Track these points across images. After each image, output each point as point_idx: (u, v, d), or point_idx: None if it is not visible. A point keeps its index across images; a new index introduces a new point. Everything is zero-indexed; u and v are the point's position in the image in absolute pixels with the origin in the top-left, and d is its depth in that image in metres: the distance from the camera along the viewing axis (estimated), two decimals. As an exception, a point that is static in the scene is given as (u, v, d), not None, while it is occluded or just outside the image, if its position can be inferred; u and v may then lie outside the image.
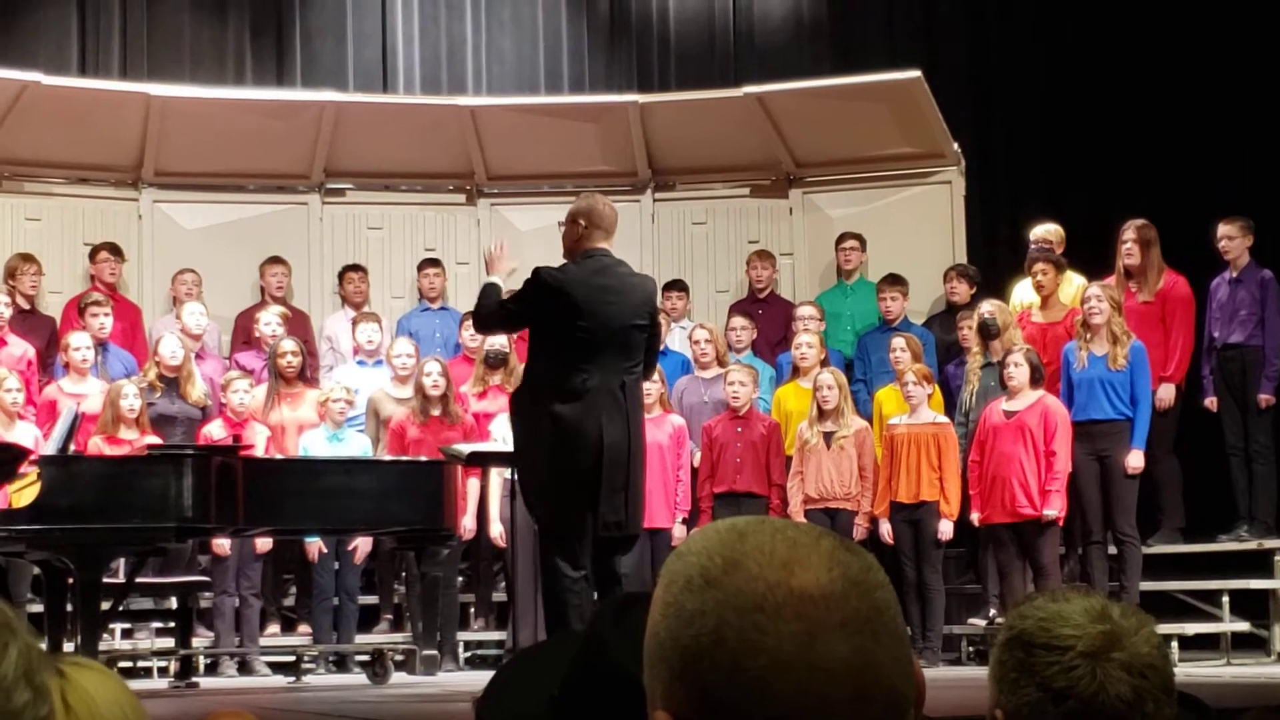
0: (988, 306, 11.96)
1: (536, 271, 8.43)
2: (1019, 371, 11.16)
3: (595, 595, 8.23)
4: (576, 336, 8.21)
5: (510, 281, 8.76)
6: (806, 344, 12.35)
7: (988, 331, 11.82)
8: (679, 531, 11.86)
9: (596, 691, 1.83)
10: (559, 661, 1.90)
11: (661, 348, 10.42)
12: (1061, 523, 11.22)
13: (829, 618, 1.49)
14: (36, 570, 10.57)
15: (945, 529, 11.57)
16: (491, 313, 8.72)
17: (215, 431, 11.74)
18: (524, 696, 1.98)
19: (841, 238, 13.83)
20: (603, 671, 1.82)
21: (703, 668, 1.49)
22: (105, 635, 11.13)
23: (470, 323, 12.71)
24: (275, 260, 13.82)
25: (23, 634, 1.56)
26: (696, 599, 1.52)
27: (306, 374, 12.51)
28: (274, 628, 12.49)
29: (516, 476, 8.96)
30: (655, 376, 10.86)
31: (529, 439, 8.44)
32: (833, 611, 1.49)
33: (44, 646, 1.62)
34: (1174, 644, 11.18)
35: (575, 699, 1.86)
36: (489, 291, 8.67)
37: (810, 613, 1.49)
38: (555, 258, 8.74)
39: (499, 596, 12.63)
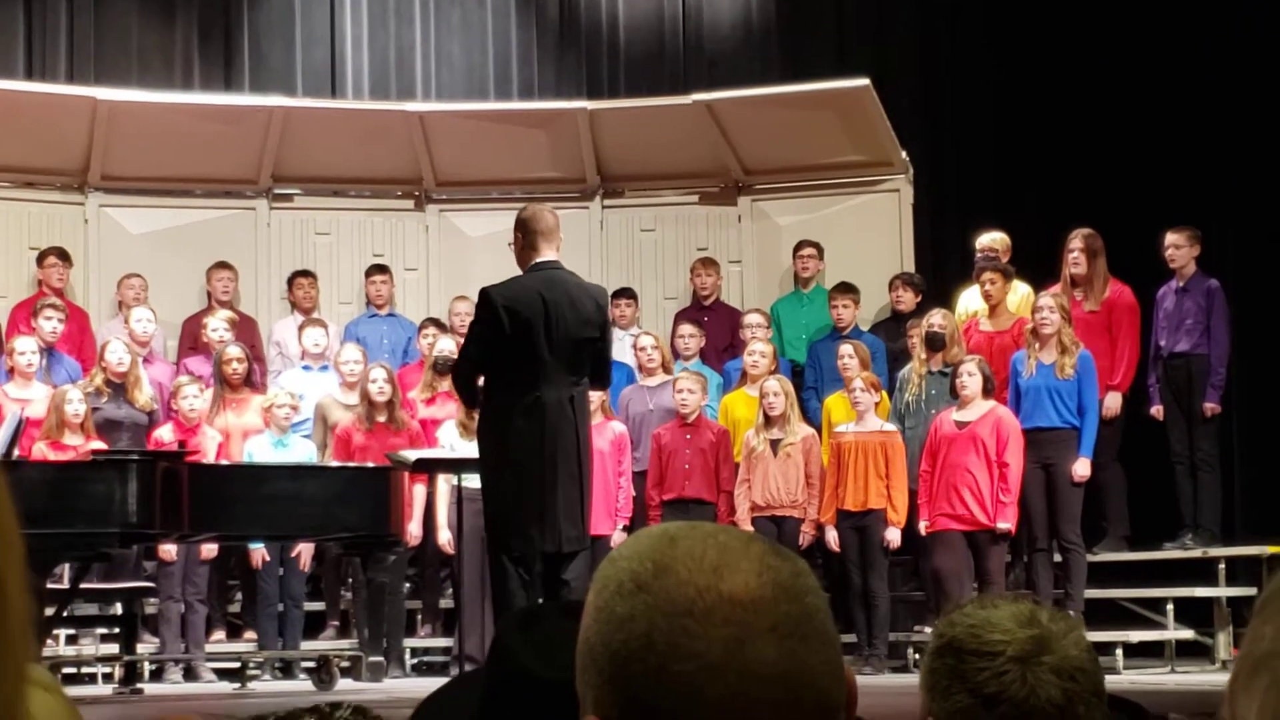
0: (937, 318, 11.99)
1: (483, 292, 8.48)
2: (972, 381, 11.18)
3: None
4: (526, 353, 8.25)
5: None
6: (760, 352, 12.33)
7: (935, 343, 11.86)
8: (619, 538, 11.85)
9: (513, 700, 1.83)
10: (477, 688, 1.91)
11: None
12: (1013, 534, 11.26)
13: (759, 622, 1.49)
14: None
15: (893, 537, 11.59)
16: (456, 368, 8.88)
17: (166, 436, 11.69)
18: (448, 716, 1.98)
19: (799, 245, 13.82)
20: (516, 680, 1.82)
21: (632, 672, 1.49)
22: (49, 642, 11.08)
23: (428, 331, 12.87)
24: (222, 265, 13.77)
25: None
26: (626, 604, 1.51)
27: (253, 380, 12.49)
28: (219, 634, 12.45)
29: (481, 496, 8.97)
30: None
31: (489, 462, 8.52)
32: (762, 616, 1.49)
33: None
34: (1119, 651, 11.24)
35: (495, 710, 1.86)
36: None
37: (740, 617, 1.49)
38: (503, 264, 8.77)
39: (446, 603, 12.60)
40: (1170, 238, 12.10)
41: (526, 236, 8.51)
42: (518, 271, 8.64)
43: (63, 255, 13.43)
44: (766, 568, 1.52)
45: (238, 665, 11.67)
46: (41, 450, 11.25)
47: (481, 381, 8.58)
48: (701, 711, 1.47)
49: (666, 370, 12.58)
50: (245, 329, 13.35)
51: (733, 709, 1.47)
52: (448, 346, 12.43)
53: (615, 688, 1.51)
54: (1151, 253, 12.20)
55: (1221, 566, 11.85)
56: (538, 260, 8.47)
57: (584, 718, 1.55)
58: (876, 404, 11.75)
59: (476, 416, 9.02)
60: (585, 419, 8.53)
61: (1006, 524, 11.09)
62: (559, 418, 8.30)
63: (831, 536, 11.71)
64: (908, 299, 13.11)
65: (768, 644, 1.48)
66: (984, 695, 2.24)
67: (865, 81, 13.83)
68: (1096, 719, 2.24)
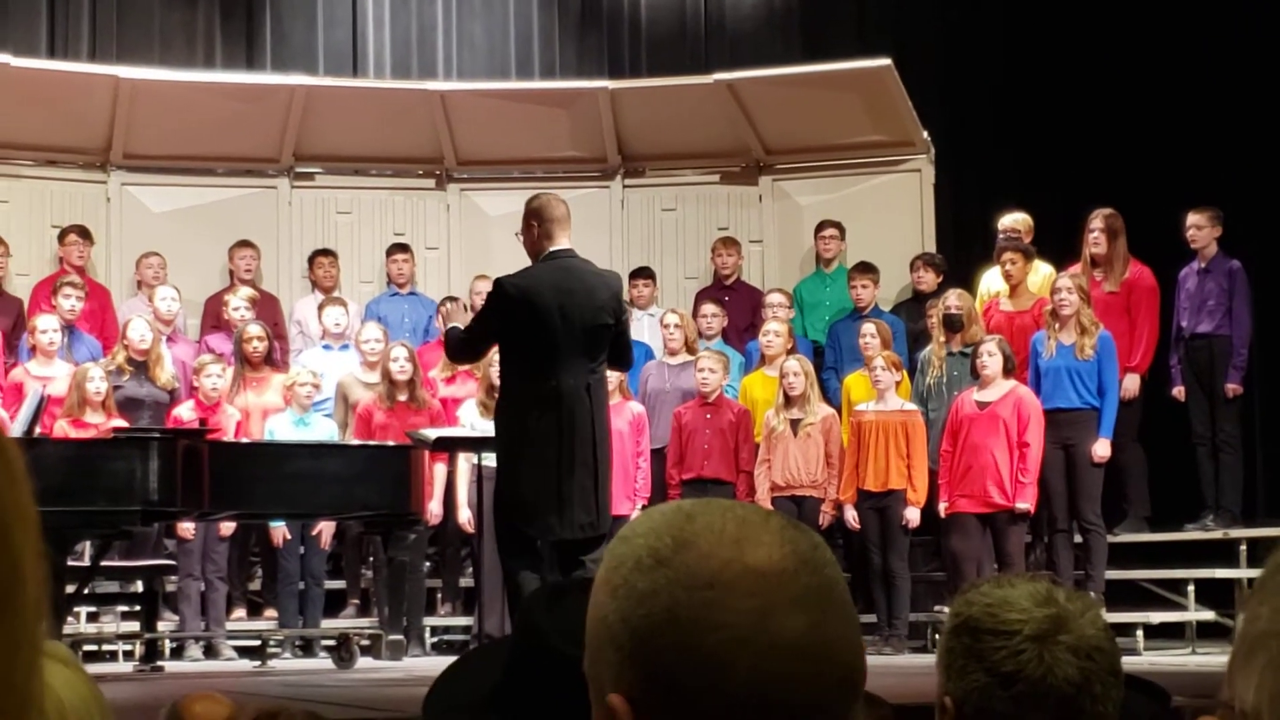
0: (953, 299, 11.96)
1: (497, 283, 8.47)
2: (992, 361, 11.14)
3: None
4: (542, 342, 8.24)
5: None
6: (775, 332, 12.33)
7: (952, 324, 11.84)
8: (637, 518, 11.80)
9: (536, 676, 1.84)
10: (501, 658, 1.92)
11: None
12: (1032, 514, 11.25)
13: (782, 593, 1.49)
14: None
15: (913, 516, 11.58)
16: (459, 341, 8.78)
17: (186, 414, 11.70)
18: (467, 688, 1.99)
19: (821, 225, 13.80)
20: (540, 656, 1.83)
21: (656, 647, 1.49)
22: (70, 619, 11.11)
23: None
24: (244, 244, 13.80)
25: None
26: (647, 579, 1.51)
27: (274, 358, 12.49)
28: (240, 612, 12.47)
29: (494, 486, 8.96)
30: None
31: (506, 449, 8.51)
32: (786, 587, 1.49)
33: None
34: (1139, 633, 11.22)
35: (517, 685, 1.87)
36: (452, 330, 8.78)
37: (764, 589, 1.48)
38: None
39: (466, 582, 12.61)
40: (1192, 218, 12.07)
41: (542, 225, 8.50)
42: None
43: (84, 233, 13.45)
44: (787, 540, 1.52)
45: (258, 643, 11.68)
46: (63, 428, 11.26)
47: (497, 366, 8.58)
48: (728, 684, 1.47)
49: (691, 350, 12.56)
50: (266, 307, 13.37)
51: (761, 680, 1.47)
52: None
53: (636, 664, 1.50)
54: (1173, 233, 12.16)
55: (1243, 548, 11.84)
56: (553, 249, 8.46)
57: (602, 697, 1.54)
58: (897, 383, 11.73)
59: (495, 397, 9.00)
60: (603, 406, 8.52)
61: (1026, 504, 11.07)
62: (576, 405, 8.29)
63: (851, 516, 11.69)
64: (929, 279, 13.08)
65: (792, 615, 1.48)
66: (1000, 674, 2.24)
67: (887, 61, 13.81)
68: (1113, 698, 2.24)
